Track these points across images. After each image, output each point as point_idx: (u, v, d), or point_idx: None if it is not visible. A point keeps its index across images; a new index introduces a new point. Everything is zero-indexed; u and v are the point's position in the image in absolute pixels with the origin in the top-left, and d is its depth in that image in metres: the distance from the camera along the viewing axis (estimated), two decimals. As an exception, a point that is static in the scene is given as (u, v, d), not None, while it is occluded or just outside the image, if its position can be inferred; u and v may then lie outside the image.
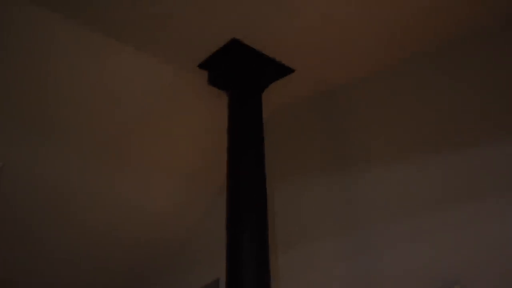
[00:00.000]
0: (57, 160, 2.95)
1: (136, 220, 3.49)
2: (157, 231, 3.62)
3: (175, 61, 2.79)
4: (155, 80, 2.86)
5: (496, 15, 2.46)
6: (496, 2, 2.39)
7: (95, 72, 2.71)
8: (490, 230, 2.12)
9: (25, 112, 2.72)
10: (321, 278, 2.64)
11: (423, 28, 2.57)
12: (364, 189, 2.66)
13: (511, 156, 2.19)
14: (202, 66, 2.81)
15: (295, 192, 2.98)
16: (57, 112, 2.79)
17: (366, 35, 2.62)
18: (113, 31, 2.54)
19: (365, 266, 2.48)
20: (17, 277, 3.40)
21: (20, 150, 2.84)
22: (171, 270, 3.77)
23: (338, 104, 3.00)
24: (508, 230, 2.08)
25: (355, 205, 2.66)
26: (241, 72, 2.72)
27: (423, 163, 2.48)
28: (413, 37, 2.63)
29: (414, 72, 2.72)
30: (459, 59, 2.55)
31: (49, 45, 2.53)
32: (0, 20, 2.37)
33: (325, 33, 2.59)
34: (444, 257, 2.23)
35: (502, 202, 2.14)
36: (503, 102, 2.30)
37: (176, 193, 3.49)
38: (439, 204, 2.34)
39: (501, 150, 2.22)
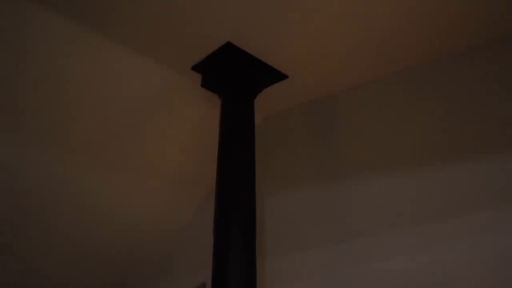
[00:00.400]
0: (42, 161, 2.90)
1: (122, 225, 3.46)
2: (144, 235, 3.59)
3: (169, 62, 2.77)
4: (147, 80, 2.84)
5: (493, 28, 2.47)
6: (494, 17, 2.40)
7: (85, 71, 2.68)
8: (486, 244, 2.13)
9: (12, 111, 2.68)
10: (309, 287, 2.63)
11: (420, 40, 2.58)
12: (356, 198, 2.66)
13: (507, 170, 2.20)
14: (195, 68, 2.80)
15: (286, 199, 2.97)
16: (47, 111, 2.75)
17: (362, 44, 2.62)
18: (106, 30, 2.52)
19: (354, 277, 2.47)
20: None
21: (3, 150, 2.79)
22: (157, 275, 3.74)
23: (331, 112, 3.00)
24: (502, 243, 2.08)
25: (346, 214, 2.66)
26: (234, 76, 2.70)
27: (417, 174, 2.48)
28: (410, 48, 2.64)
29: (410, 82, 2.73)
30: (455, 72, 2.56)
31: (41, 42, 2.49)
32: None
33: (320, 40, 2.59)
34: (437, 269, 2.22)
35: (497, 215, 2.14)
36: (502, 115, 2.31)
37: (164, 197, 3.47)
38: (433, 216, 2.34)
39: (498, 164, 2.23)
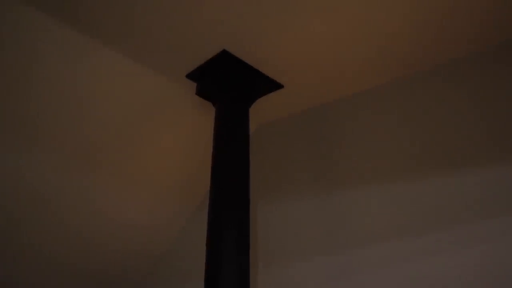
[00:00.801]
0: (35, 165, 2.86)
1: (114, 232, 3.40)
2: (135, 243, 3.54)
3: (163, 70, 2.75)
4: (141, 88, 2.82)
5: (492, 39, 2.49)
6: (494, 26, 2.43)
7: (79, 77, 2.65)
8: (485, 253, 2.12)
9: (4, 114, 2.64)
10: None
11: (415, 47, 2.58)
12: (351, 207, 2.64)
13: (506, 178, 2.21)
14: (190, 76, 2.78)
15: (279, 209, 2.95)
16: (38, 115, 2.71)
17: (356, 53, 2.63)
18: (101, 37, 2.50)
19: (347, 287, 2.45)
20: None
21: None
22: (148, 284, 3.69)
23: (326, 122, 3.00)
24: (500, 253, 2.08)
25: (342, 223, 2.64)
26: (229, 84, 2.69)
27: (413, 183, 2.47)
28: (404, 56, 2.65)
29: (405, 91, 2.73)
30: (452, 79, 2.57)
31: (35, 47, 2.47)
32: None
33: (315, 50, 2.59)
34: (438, 278, 2.20)
35: (497, 225, 2.14)
36: (496, 124, 2.32)
37: (156, 205, 3.42)
38: (429, 226, 2.33)
39: (498, 171, 2.23)
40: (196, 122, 3.09)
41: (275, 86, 2.85)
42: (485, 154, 2.30)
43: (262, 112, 3.16)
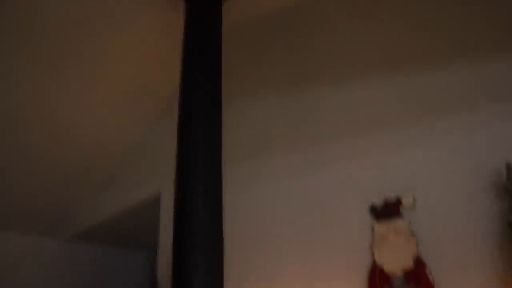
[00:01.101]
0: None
1: (74, 135, 3.35)
2: (97, 146, 3.51)
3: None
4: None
5: None
6: None
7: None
8: (443, 146, 2.25)
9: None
10: (268, 192, 2.70)
11: None
12: (317, 106, 2.70)
13: (468, 76, 2.29)
14: (160, -30, 2.63)
15: (248, 108, 2.98)
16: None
17: None
18: None
19: (314, 181, 2.56)
20: None
21: None
22: (109, 185, 3.71)
23: (300, 21, 2.95)
24: (458, 146, 2.21)
25: (309, 120, 2.71)
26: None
27: (379, 82, 2.53)
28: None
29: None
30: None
31: None
32: None
33: None
34: (397, 169, 2.34)
35: (453, 121, 2.26)
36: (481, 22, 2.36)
37: (119, 107, 3.36)
38: (392, 121, 2.43)
39: (461, 69, 2.31)
40: (165, 20, 2.96)
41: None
42: (460, 54, 2.35)
43: (236, 11, 3.05)
